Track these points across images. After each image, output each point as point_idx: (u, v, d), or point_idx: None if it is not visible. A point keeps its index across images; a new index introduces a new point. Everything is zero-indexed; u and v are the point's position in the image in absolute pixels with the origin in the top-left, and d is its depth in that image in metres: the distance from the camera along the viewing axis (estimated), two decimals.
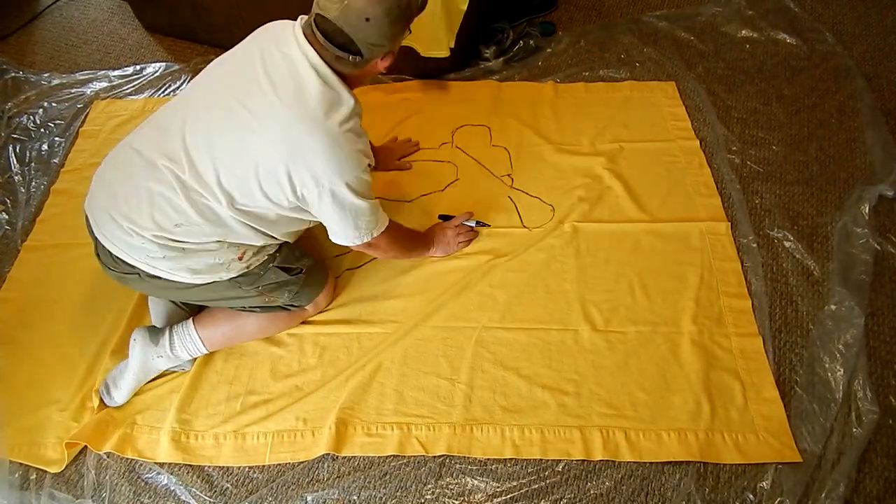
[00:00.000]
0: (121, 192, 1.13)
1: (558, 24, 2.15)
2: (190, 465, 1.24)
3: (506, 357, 1.35)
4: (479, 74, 1.99)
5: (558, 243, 1.54)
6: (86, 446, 1.27)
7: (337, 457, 1.24)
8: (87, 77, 2.08)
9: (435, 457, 1.23)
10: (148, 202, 1.10)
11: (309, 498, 1.20)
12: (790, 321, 1.39)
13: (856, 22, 2.12)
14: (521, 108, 1.87)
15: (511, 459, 1.22)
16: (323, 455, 1.23)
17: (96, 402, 1.30)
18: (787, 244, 1.52)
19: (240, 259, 1.20)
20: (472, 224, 1.55)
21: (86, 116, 1.94)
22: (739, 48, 2.04)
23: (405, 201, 1.65)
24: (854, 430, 1.22)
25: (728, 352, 1.34)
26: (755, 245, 1.51)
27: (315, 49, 1.06)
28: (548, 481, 1.20)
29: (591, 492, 1.19)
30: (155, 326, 1.36)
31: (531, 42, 2.05)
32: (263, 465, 1.24)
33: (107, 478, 1.23)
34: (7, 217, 1.69)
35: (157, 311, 1.41)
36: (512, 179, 1.69)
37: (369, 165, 1.17)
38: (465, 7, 1.73)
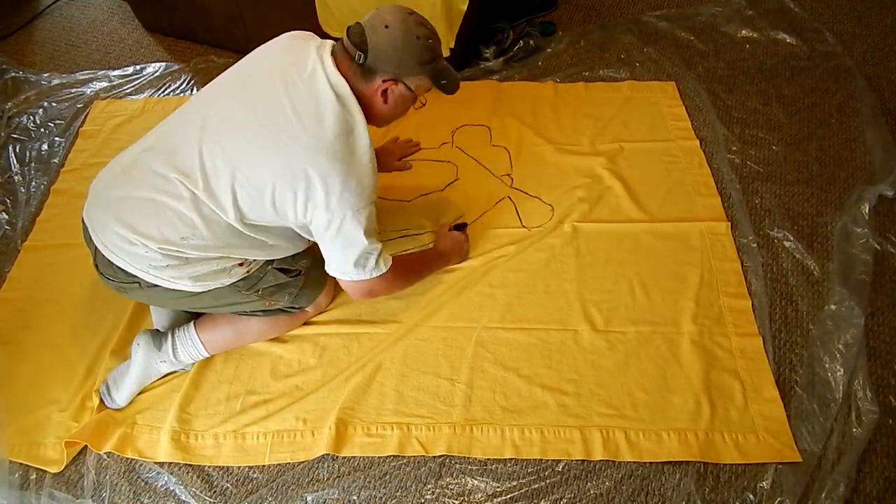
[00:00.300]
0: (125, 203, 1.10)
1: (558, 24, 2.15)
2: (190, 466, 1.24)
3: (506, 357, 1.35)
4: (479, 74, 1.99)
5: (558, 243, 1.54)
6: (86, 446, 1.27)
7: (337, 457, 1.24)
8: (87, 77, 2.09)
9: (435, 457, 1.23)
10: (155, 214, 1.08)
11: (309, 498, 1.20)
12: (790, 321, 1.39)
13: (856, 22, 2.12)
14: (521, 108, 1.87)
15: (511, 459, 1.22)
16: (323, 455, 1.23)
17: (96, 402, 1.30)
18: (787, 244, 1.52)
19: (241, 265, 1.20)
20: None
21: (86, 116, 1.94)
22: (739, 48, 2.04)
23: (405, 201, 1.65)
24: (854, 430, 1.22)
25: (728, 352, 1.34)
26: (755, 245, 1.51)
27: (335, 62, 1.08)
28: (548, 481, 1.20)
29: (591, 492, 1.19)
30: (157, 330, 1.35)
31: (531, 42, 2.05)
32: (263, 465, 1.24)
33: (107, 478, 1.23)
34: (7, 217, 1.69)
35: (158, 315, 1.40)
36: (512, 179, 1.69)
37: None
38: (465, 7, 1.73)
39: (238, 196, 1.08)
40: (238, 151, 1.07)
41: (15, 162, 1.82)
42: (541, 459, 1.22)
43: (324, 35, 1.42)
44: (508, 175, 1.70)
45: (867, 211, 1.54)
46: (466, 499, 1.19)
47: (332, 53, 1.10)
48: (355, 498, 1.20)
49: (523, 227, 1.58)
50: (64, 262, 1.57)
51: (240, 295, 1.24)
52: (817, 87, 1.90)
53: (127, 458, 1.25)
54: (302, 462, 1.24)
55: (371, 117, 1.15)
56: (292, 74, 1.08)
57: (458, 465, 1.22)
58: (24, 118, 1.95)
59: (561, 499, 1.18)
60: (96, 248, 1.15)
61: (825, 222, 1.57)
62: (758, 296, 1.42)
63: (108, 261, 1.14)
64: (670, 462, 1.20)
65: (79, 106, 1.98)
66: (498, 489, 1.19)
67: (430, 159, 1.75)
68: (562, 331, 1.38)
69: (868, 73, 1.93)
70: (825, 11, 2.16)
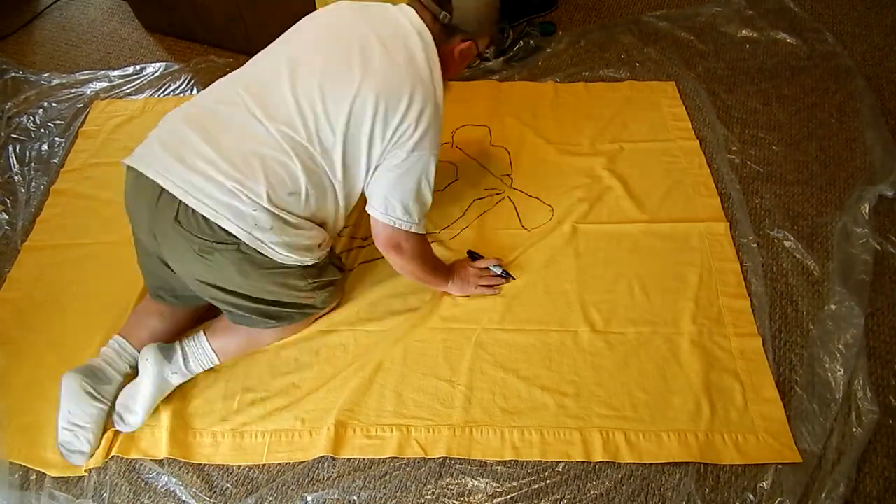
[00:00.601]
0: (225, 154, 1.06)
1: (558, 24, 2.15)
2: (190, 466, 1.24)
3: (505, 358, 1.35)
4: (479, 74, 1.99)
5: (558, 244, 1.54)
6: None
7: (337, 457, 1.24)
8: (86, 77, 2.09)
9: (435, 457, 1.23)
10: (262, 167, 1.06)
11: (309, 498, 1.20)
12: (790, 321, 1.39)
13: (856, 22, 2.12)
14: (521, 108, 1.87)
15: (511, 460, 1.22)
16: (322, 455, 1.23)
17: (111, 434, 1.25)
18: (787, 244, 1.52)
19: (319, 246, 1.21)
20: (498, 271, 1.46)
21: (86, 116, 1.94)
22: (739, 48, 2.04)
23: None
24: (854, 430, 1.22)
25: (728, 352, 1.33)
26: (755, 245, 1.51)
27: (419, 14, 1.10)
28: (548, 481, 1.20)
29: (591, 492, 1.19)
30: (164, 343, 1.30)
31: (531, 42, 2.05)
32: (263, 465, 1.24)
33: (107, 478, 1.23)
34: (7, 217, 1.69)
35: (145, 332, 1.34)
36: (511, 179, 1.69)
37: None
38: None
39: (335, 125, 1.08)
40: (333, 89, 1.07)
41: (15, 162, 1.82)
42: (541, 460, 1.22)
43: None
44: (508, 175, 1.70)
45: (867, 211, 1.54)
46: (466, 499, 1.19)
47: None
48: (355, 498, 1.20)
49: (523, 227, 1.58)
50: (64, 262, 1.57)
51: (301, 281, 1.23)
52: (817, 87, 1.90)
53: (127, 459, 1.25)
54: (302, 462, 1.24)
55: (443, 67, 1.17)
56: (377, 24, 1.10)
57: (458, 466, 1.22)
58: (24, 118, 1.95)
59: (561, 499, 1.18)
60: (182, 202, 1.06)
61: (825, 222, 1.57)
62: (757, 296, 1.42)
63: (203, 216, 1.07)
64: (670, 462, 1.20)
65: (79, 106, 1.98)
66: (498, 489, 1.19)
67: None
68: (561, 332, 1.38)
69: (868, 73, 1.93)
70: (825, 11, 2.16)
